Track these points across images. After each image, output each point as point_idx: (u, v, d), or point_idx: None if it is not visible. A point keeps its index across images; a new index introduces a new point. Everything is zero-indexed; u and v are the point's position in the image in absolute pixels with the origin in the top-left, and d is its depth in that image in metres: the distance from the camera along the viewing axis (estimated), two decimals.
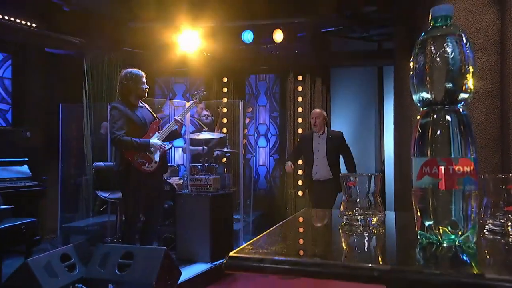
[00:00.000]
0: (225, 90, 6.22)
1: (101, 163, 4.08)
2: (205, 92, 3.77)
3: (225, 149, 4.96)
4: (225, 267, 0.52)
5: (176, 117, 3.38)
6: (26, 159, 4.11)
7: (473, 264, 0.50)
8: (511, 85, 3.27)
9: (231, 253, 0.53)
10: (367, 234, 0.66)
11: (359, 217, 0.68)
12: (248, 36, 5.85)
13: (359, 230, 0.68)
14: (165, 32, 5.87)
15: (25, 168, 4.08)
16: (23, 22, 4.63)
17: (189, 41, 5.82)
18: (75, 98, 4.90)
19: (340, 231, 0.70)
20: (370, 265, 0.47)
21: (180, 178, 4.48)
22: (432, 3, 4.03)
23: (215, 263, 3.79)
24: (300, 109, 5.91)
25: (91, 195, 4.85)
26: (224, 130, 5.91)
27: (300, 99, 5.92)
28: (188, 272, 3.43)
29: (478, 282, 0.42)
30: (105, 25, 5.50)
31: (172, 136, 3.42)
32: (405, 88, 4.67)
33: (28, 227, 3.21)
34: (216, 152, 5.16)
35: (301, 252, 0.60)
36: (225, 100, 6.15)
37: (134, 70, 3.28)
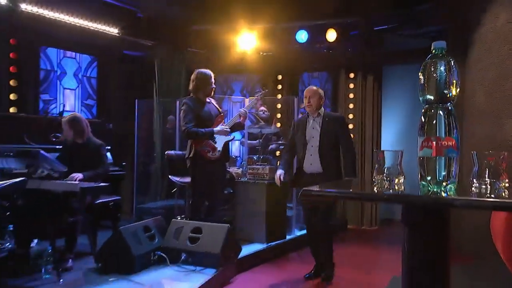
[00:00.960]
0: (279, 87, 6.60)
1: (172, 152, 4.65)
2: (266, 90, 4.19)
3: (280, 142, 5.34)
4: (301, 195, 0.89)
5: (241, 110, 3.83)
6: (109, 147, 4.78)
7: (445, 196, 0.84)
8: None
9: (304, 188, 0.90)
10: (390, 187, 1.00)
11: (386, 178, 1.02)
12: (302, 36, 6.16)
13: (385, 186, 1.02)
14: (225, 34, 6.36)
15: (108, 154, 4.76)
16: (106, 28, 5.32)
17: (247, 42, 6.27)
18: (148, 94, 5.55)
19: (374, 187, 1.05)
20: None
21: (238, 168, 4.94)
22: (482, 2, 4.10)
23: (270, 244, 4.21)
24: (351, 105, 6.14)
25: (160, 180, 5.47)
26: (278, 124, 6.30)
27: (351, 95, 6.14)
28: (246, 250, 3.87)
29: (446, 202, 0.76)
30: (172, 29, 6.10)
31: (235, 128, 3.86)
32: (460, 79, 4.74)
33: (115, 204, 3.83)
34: (271, 146, 5.58)
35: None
36: (279, 96, 6.53)
37: (205, 70, 3.74)
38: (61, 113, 4.54)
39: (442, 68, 0.86)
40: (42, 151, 2.92)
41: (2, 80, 4.46)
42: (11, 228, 2.79)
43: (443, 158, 0.84)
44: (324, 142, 3.27)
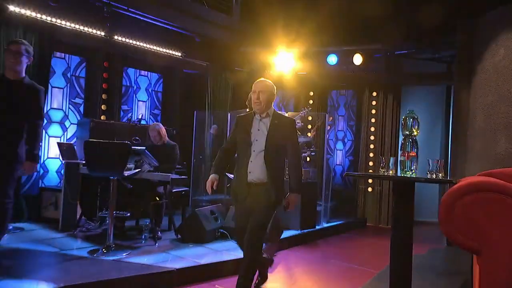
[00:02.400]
0: (310, 102, 7.64)
1: None
2: (310, 108, 5.23)
3: (311, 149, 6.38)
4: (346, 174, 1.93)
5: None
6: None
7: (411, 177, 1.88)
8: None
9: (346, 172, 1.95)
10: (387, 173, 2.04)
11: (386, 169, 2.07)
12: (332, 59, 7.19)
13: (385, 173, 2.06)
14: (266, 55, 7.48)
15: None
16: (171, 51, 6.51)
17: (284, 62, 7.36)
18: (202, 106, 6.71)
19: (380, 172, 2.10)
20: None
21: None
22: (489, 34, 5.02)
23: (303, 230, 5.25)
24: (373, 120, 7.11)
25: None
26: (309, 134, 7.33)
27: (373, 111, 7.12)
28: (285, 234, 4.93)
29: (410, 179, 1.80)
30: (222, 51, 7.25)
31: None
32: (462, 107, 5.68)
33: (186, 193, 4.97)
34: (303, 154, 6.61)
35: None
36: (311, 110, 7.56)
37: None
38: (139, 121, 5.73)
39: (411, 120, 1.89)
40: (146, 150, 4.07)
41: (97, 94, 5.71)
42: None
43: (409, 160, 1.87)
44: (270, 147, 2.70)
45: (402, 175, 1.90)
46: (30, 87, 3.09)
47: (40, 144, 3.23)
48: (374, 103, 7.15)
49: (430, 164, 1.94)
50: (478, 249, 1.54)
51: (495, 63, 5.11)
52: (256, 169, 2.71)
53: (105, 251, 3.57)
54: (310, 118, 7.64)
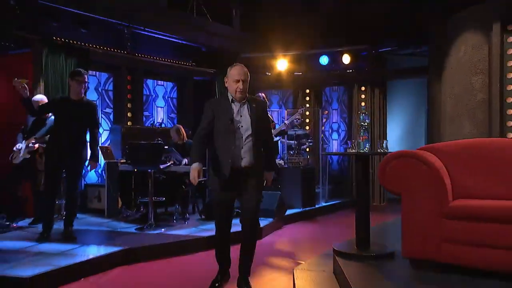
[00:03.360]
0: (307, 98, 8.59)
1: None
2: (307, 106, 6.18)
3: (309, 140, 7.35)
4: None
5: (286, 122, 5.89)
6: None
7: (365, 152, 2.86)
8: (492, 95, 5.21)
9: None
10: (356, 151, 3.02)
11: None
12: (324, 60, 8.14)
13: (354, 151, 3.03)
14: (265, 59, 8.45)
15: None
16: (182, 62, 7.50)
17: (282, 64, 8.33)
18: None
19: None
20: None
21: (280, 159, 6.98)
22: (454, 33, 5.92)
23: (304, 208, 6.24)
24: (363, 111, 8.07)
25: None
26: (307, 127, 8.30)
27: (363, 104, 8.06)
28: (289, 211, 5.92)
29: (365, 154, 2.78)
30: (226, 58, 8.22)
31: (280, 133, 5.91)
32: (435, 98, 6.63)
33: (205, 182, 5.95)
34: (302, 146, 7.59)
35: None
36: (307, 105, 8.53)
37: (258, 93, 5.82)
38: (160, 124, 6.73)
39: (363, 115, 2.85)
40: (173, 148, 5.06)
41: (123, 103, 6.72)
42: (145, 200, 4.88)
43: (363, 142, 2.83)
44: (256, 131, 2.82)
45: (360, 151, 2.87)
46: (89, 105, 4.11)
47: (98, 155, 4.25)
48: (362, 96, 8.10)
49: (379, 144, 2.91)
50: (400, 192, 2.52)
51: (458, 58, 6.05)
52: (246, 154, 2.78)
53: (148, 228, 4.59)
54: (308, 113, 8.61)
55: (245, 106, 2.87)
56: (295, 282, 2.84)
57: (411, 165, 2.51)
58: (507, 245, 2.19)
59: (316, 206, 6.55)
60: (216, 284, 2.93)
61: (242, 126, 2.82)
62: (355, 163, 2.99)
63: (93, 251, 3.75)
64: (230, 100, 2.87)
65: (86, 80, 4.06)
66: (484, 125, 5.56)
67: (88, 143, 4.08)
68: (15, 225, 4.63)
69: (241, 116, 2.84)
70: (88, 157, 4.09)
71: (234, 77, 2.83)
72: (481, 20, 5.60)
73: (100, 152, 5.82)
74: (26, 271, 3.01)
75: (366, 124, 2.87)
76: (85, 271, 3.33)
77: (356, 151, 2.90)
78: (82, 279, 3.28)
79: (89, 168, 4.13)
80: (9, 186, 4.72)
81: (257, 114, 2.86)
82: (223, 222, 2.93)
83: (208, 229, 4.69)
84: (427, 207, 2.41)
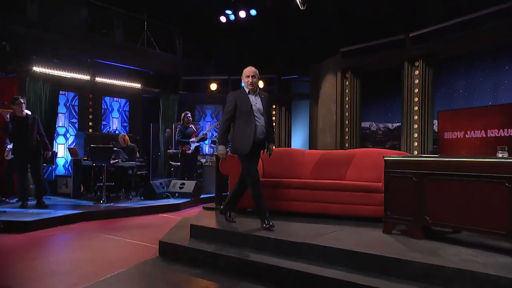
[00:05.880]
0: None
1: (172, 150, 9.14)
2: (219, 121, 8.68)
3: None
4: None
5: (205, 131, 8.35)
6: (137, 148, 9.25)
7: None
8: (337, 118, 7.92)
9: None
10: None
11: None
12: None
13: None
14: (201, 81, 10.92)
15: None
16: (134, 84, 9.78)
17: (214, 86, 10.82)
18: (156, 120, 10.04)
19: None
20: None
21: (202, 159, 9.42)
22: (323, 73, 8.67)
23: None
24: (274, 123, 10.71)
25: (164, 165, 9.95)
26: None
27: (274, 118, 10.70)
28: (207, 195, 8.35)
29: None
30: (170, 80, 10.58)
31: (201, 140, 8.34)
32: (313, 115, 9.33)
33: (146, 175, 8.31)
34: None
35: None
36: None
37: (186, 112, 8.25)
38: (114, 132, 8.98)
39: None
40: (120, 149, 7.37)
41: (86, 115, 8.94)
42: (101, 185, 7.17)
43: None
44: (266, 114, 3.93)
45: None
46: (33, 119, 6.28)
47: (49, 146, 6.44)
48: (274, 112, 10.73)
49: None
50: (228, 174, 5.03)
51: (325, 90, 8.80)
52: (261, 130, 3.83)
53: (102, 203, 6.88)
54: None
55: (258, 96, 3.93)
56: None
57: (232, 160, 5.00)
58: (270, 197, 4.72)
59: (226, 193, 9.01)
60: (267, 224, 3.73)
61: (258, 110, 3.86)
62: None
63: (63, 212, 6.02)
64: (247, 92, 3.93)
65: (24, 103, 6.24)
66: (336, 136, 8.30)
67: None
68: (8, 200, 6.80)
69: (256, 103, 3.88)
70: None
71: (246, 73, 3.96)
72: (333, 68, 8.36)
73: (68, 152, 8.07)
74: (25, 218, 5.28)
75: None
76: (59, 221, 5.59)
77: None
78: (59, 226, 5.55)
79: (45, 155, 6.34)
80: (8, 175, 6.87)
81: (264, 101, 3.95)
82: (258, 178, 3.90)
83: (144, 205, 7.04)
84: None
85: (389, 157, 3.71)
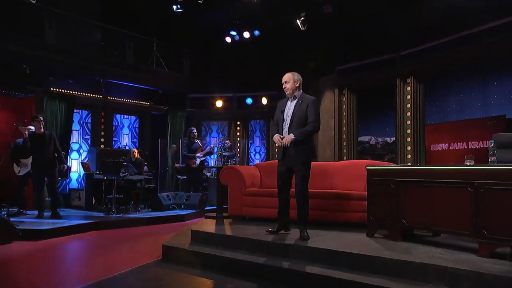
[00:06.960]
0: (238, 128, 11.56)
1: (178, 164, 9.58)
2: (226, 135, 9.12)
3: (234, 159, 10.25)
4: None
5: (211, 146, 8.78)
6: (146, 162, 9.71)
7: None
8: (335, 132, 8.28)
9: None
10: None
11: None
12: (249, 100, 11.21)
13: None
14: (207, 98, 11.43)
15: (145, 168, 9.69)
16: (143, 102, 10.32)
17: (219, 103, 11.32)
18: (165, 136, 10.53)
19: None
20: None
21: (208, 173, 9.82)
22: (322, 90, 9.05)
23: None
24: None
25: (172, 178, 10.38)
26: (239, 150, 11.21)
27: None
28: (212, 207, 8.73)
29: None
30: (177, 97, 11.12)
31: (207, 155, 8.77)
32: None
33: (154, 188, 8.75)
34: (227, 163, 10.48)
35: None
36: (238, 134, 11.51)
37: (191, 128, 8.71)
38: (124, 147, 9.47)
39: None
40: (129, 164, 7.82)
41: (98, 132, 9.47)
42: (111, 197, 7.60)
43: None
44: (297, 121, 3.74)
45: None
46: (50, 135, 6.78)
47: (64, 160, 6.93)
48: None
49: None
50: (228, 184, 5.41)
51: (324, 106, 9.19)
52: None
53: (112, 214, 7.30)
54: (238, 138, 11.59)
55: (294, 101, 3.83)
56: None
57: (231, 171, 5.41)
58: (266, 206, 5.08)
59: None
60: (270, 229, 4.08)
61: (289, 117, 3.79)
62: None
63: (75, 222, 6.45)
64: (287, 98, 3.94)
65: (43, 121, 6.76)
66: (335, 150, 8.65)
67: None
68: (25, 211, 7.28)
69: (289, 109, 3.81)
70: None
71: (283, 80, 3.93)
72: (331, 85, 8.78)
73: (81, 166, 8.57)
74: (41, 227, 5.72)
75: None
76: (72, 230, 6.02)
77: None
78: (72, 234, 5.98)
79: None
80: (20, 189, 7.36)
81: (300, 107, 3.74)
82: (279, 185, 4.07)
83: (152, 216, 7.44)
84: (237, 190, 5.31)
85: (371, 166, 4.07)
